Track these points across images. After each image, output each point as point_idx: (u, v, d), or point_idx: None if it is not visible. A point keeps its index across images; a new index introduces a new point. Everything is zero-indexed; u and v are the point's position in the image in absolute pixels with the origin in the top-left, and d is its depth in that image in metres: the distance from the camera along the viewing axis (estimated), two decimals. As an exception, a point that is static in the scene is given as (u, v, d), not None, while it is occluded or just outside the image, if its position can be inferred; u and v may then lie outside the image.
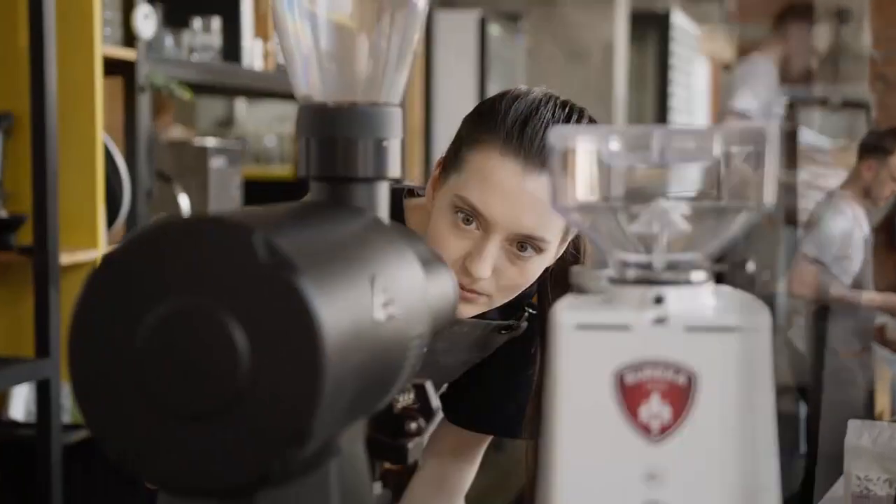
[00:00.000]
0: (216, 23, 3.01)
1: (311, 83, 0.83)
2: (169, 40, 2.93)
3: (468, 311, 1.30)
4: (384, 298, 0.70)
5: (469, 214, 1.25)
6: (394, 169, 0.83)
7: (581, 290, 0.79)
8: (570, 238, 1.34)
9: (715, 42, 8.82)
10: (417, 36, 0.84)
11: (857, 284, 4.34)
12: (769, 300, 4.26)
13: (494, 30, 4.88)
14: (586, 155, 0.72)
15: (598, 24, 5.53)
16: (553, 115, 1.27)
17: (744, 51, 9.83)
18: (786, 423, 4.81)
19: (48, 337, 2.32)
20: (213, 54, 3.03)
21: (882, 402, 4.47)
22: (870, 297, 4.46)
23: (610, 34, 5.57)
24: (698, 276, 0.71)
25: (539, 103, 1.28)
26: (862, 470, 1.91)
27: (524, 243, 1.26)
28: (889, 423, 1.95)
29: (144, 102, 2.67)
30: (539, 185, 1.23)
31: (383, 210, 0.82)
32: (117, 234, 2.67)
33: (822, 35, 4.53)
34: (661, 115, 7.48)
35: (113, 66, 2.62)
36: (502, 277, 1.27)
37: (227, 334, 0.61)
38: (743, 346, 0.68)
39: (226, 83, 3.12)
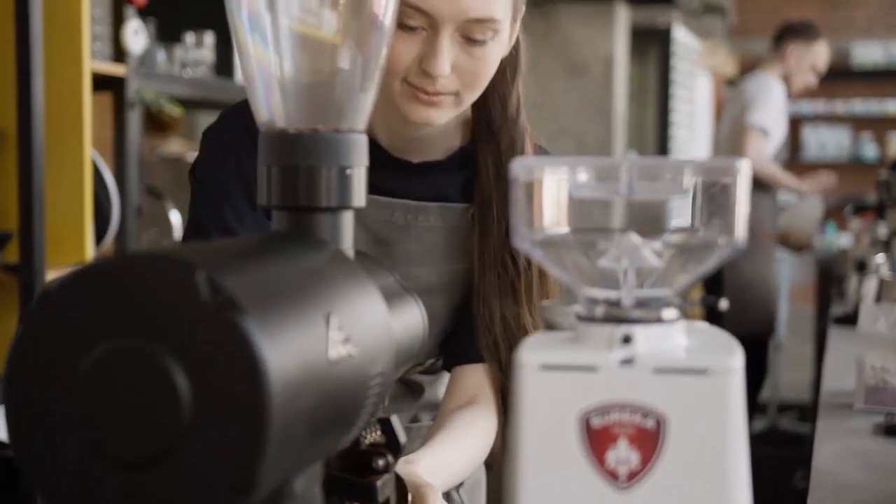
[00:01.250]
0: (209, 38, 2.99)
1: (272, 109, 0.80)
2: (161, 55, 2.90)
3: (438, 115, 1.25)
4: (341, 336, 0.67)
5: (411, 16, 1.19)
6: (358, 198, 0.80)
7: (550, 327, 0.76)
8: (520, 17, 1.30)
9: (717, 57, 8.81)
10: (382, 60, 0.81)
11: (776, 160, 4.47)
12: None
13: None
14: (552, 186, 0.69)
15: (598, 39, 5.50)
16: None
17: (745, 66, 9.83)
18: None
19: (33, 356, 2.28)
20: (206, 69, 3.00)
21: None
22: (806, 183, 4.67)
23: (610, 49, 5.54)
24: (669, 313, 0.68)
25: None
26: (877, 359, 1.81)
27: (475, 31, 1.20)
28: None
29: (134, 118, 2.65)
30: None
31: (347, 240, 0.79)
32: (106, 250, 2.64)
33: (824, 52, 4.53)
34: (663, 129, 7.45)
35: (103, 82, 2.60)
36: (463, 71, 1.22)
37: (167, 377, 0.58)
38: (714, 389, 0.65)
39: (218, 99, 3.10)
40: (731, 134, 4.41)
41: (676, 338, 0.68)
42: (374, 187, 1.27)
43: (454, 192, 1.35)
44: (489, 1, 1.19)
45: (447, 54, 1.20)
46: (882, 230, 4.07)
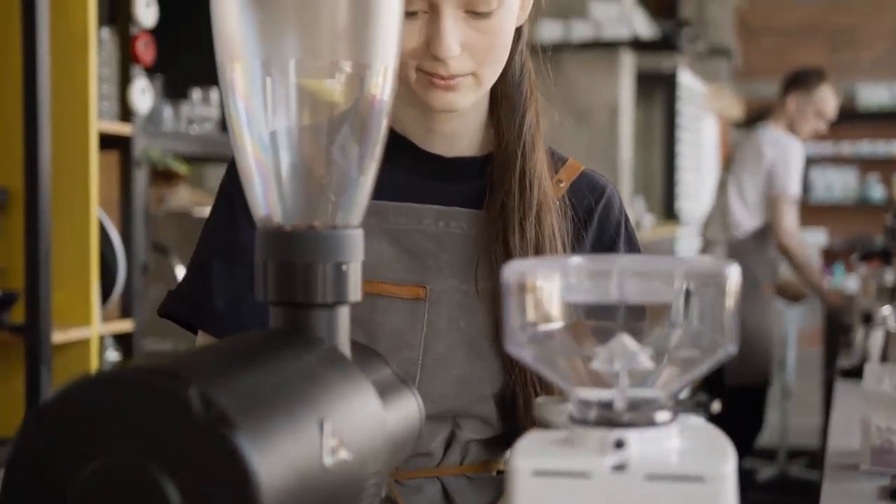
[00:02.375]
0: (215, 94, 3.02)
1: (270, 205, 0.81)
2: (168, 112, 2.93)
3: (460, 98, 1.17)
4: (335, 442, 0.68)
5: (409, 2, 1.12)
6: (354, 293, 0.80)
7: (543, 425, 0.76)
8: None
9: (722, 99, 8.84)
10: (377, 158, 0.82)
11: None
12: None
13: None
14: (543, 289, 0.70)
15: (603, 86, 5.53)
16: None
17: (751, 108, 9.87)
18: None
19: (38, 417, 2.28)
20: (212, 126, 3.03)
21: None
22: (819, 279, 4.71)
23: (615, 96, 5.57)
24: (662, 416, 0.69)
25: None
26: (883, 419, 1.78)
27: (479, 3, 1.13)
28: None
29: (140, 177, 2.66)
30: None
31: (343, 335, 0.80)
32: (112, 310, 2.65)
33: (828, 98, 4.55)
34: (669, 173, 7.47)
35: (109, 141, 2.62)
36: (475, 48, 1.14)
37: (161, 494, 0.58)
38: (707, 497, 0.65)
39: (224, 154, 3.12)
40: (760, 199, 4.40)
41: (669, 441, 0.68)
42: (400, 191, 1.24)
43: (485, 195, 1.25)
44: None
45: (454, 34, 1.12)
46: (889, 277, 4.06)
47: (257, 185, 0.81)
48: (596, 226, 1.27)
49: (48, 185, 2.36)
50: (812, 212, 10.12)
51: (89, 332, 2.49)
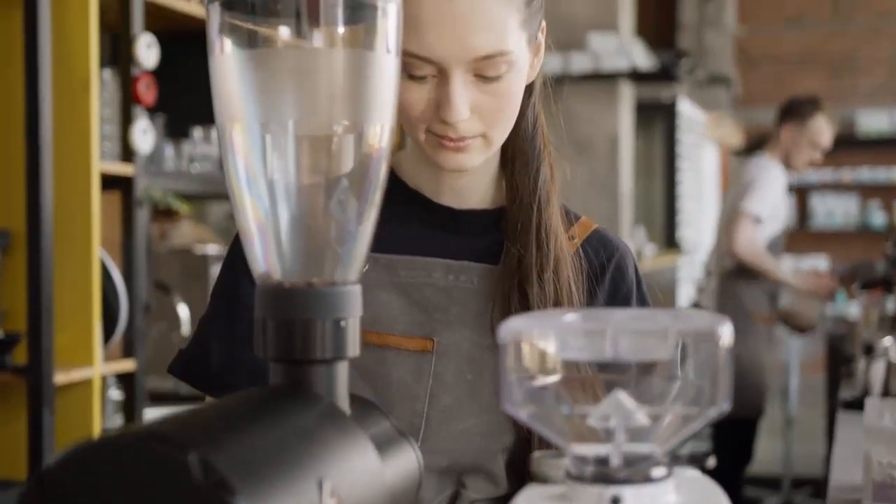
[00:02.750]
0: (216, 133, 3.03)
1: (269, 262, 0.82)
2: (169, 150, 2.95)
3: (469, 159, 1.17)
4: (333, 501, 0.68)
5: (417, 66, 1.11)
6: (353, 348, 0.81)
7: (540, 479, 0.77)
8: (541, 34, 1.21)
9: (722, 128, 8.87)
10: (375, 213, 0.83)
11: (772, 249, 4.44)
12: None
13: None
14: (539, 347, 0.71)
15: (602, 117, 5.56)
16: None
17: (751, 136, 9.91)
18: None
19: (42, 459, 2.29)
20: (213, 164, 3.04)
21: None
22: (801, 281, 4.64)
23: (615, 127, 5.59)
24: (658, 472, 0.69)
25: None
26: (884, 454, 1.77)
27: (487, 68, 1.12)
28: None
29: (142, 216, 2.68)
30: None
31: (342, 390, 0.81)
32: (114, 349, 2.65)
33: (822, 128, 4.56)
34: (670, 202, 7.49)
35: (111, 181, 2.63)
36: (484, 111, 1.14)
37: (161, 558, 0.59)
38: (702, 553, 0.66)
39: (226, 192, 3.13)
40: (726, 219, 4.44)
41: (666, 497, 0.69)
42: (412, 244, 1.24)
43: (498, 249, 1.24)
44: (495, 34, 1.11)
45: (462, 99, 1.12)
46: (891, 305, 4.06)
47: (256, 242, 0.82)
48: (609, 284, 1.27)
49: (50, 226, 2.38)
50: (813, 238, 10.13)
51: (91, 373, 2.50)
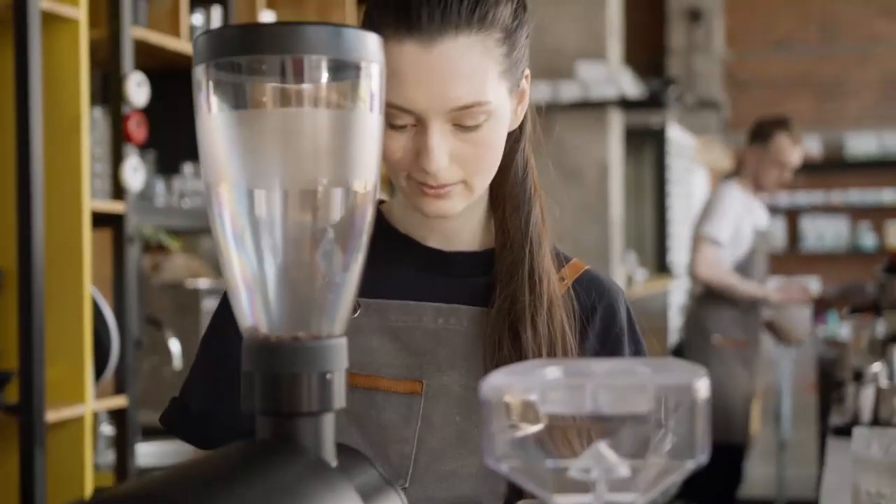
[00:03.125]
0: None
1: (255, 316, 0.83)
2: (160, 187, 2.96)
3: (451, 206, 1.18)
4: (320, 556, 0.70)
5: (397, 116, 1.13)
6: (339, 400, 0.83)
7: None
8: (524, 82, 1.22)
9: (712, 152, 8.92)
10: (360, 268, 0.84)
11: (741, 270, 4.40)
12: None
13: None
14: (520, 402, 0.72)
15: (592, 145, 5.59)
16: None
17: (741, 159, 9.95)
18: None
19: (34, 498, 2.29)
20: (204, 199, 3.06)
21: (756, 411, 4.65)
22: (772, 292, 4.54)
23: (604, 155, 5.62)
24: (639, 524, 0.71)
25: None
26: (872, 484, 1.78)
27: (465, 118, 1.13)
28: None
29: (133, 253, 2.69)
30: (450, 47, 1.11)
31: (328, 442, 0.82)
32: (106, 386, 2.66)
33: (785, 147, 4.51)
34: (660, 227, 7.52)
35: (102, 218, 2.64)
36: (464, 159, 1.15)
37: None
38: None
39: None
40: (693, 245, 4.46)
41: (646, 547, 0.70)
42: (402, 289, 1.25)
43: (487, 292, 1.25)
44: (473, 86, 1.13)
45: (441, 148, 1.13)
46: (880, 329, 4.08)
47: (243, 296, 0.83)
48: (599, 326, 1.27)
49: (42, 264, 2.39)
50: (804, 260, 10.17)
51: (83, 410, 2.50)
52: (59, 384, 2.48)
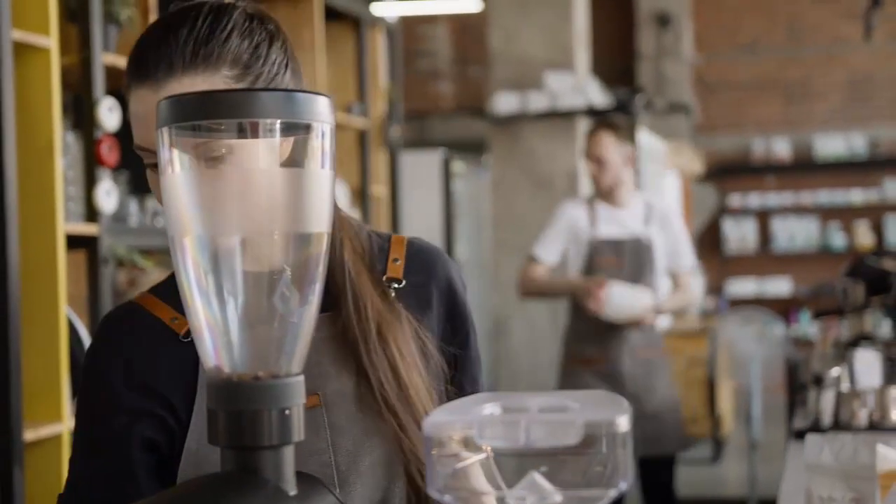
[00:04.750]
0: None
1: (218, 357, 0.90)
2: (133, 206, 3.02)
3: None
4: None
5: (147, 156, 1.20)
6: (298, 433, 0.89)
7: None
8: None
9: (683, 156, 9.01)
10: (315, 311, 0.91)
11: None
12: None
13: (458, 166, 5.00)
14: (459, 438, 0.79)
15: (561, 153, 5.67)
16: (173, 18, 1.21)
17: (711, 162, 10.08)
18: None
19: (12, 516, 2.35)
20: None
21: None
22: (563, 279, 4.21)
23: (573, 163, 5.70)
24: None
25: (163, 17, 1.23)
26: (825, 489, 1.83)
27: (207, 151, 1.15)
28: (852, 436, 1.88)
29: (107, 274, 2.75)
30: (175, 87, 1.17)
31: (289, 472, 0.89)
32: (82, 404, 2.71)
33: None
34: (632, 231, 7.59)
35: (76, 240, 2.70)
36: None
37: None
38: None
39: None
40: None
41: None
42: None
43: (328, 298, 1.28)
44: None
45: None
46: (844, 332, 4.16)
47: (207, 339, 0.90)
48: (437, 297, 1.34)
49: (17, 286, 2.44)
50: (776, 261, 10.29)
51: (61, 428, 2.56)
52: (37, 404, 2.53)
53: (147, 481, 1.25)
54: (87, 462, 1.26)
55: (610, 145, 4.04)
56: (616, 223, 4.14)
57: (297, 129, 0.88)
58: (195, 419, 1.24)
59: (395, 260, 1.34)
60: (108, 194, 2.71)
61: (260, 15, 1.25)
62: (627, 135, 4.12)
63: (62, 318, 2.55)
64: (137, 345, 1.27)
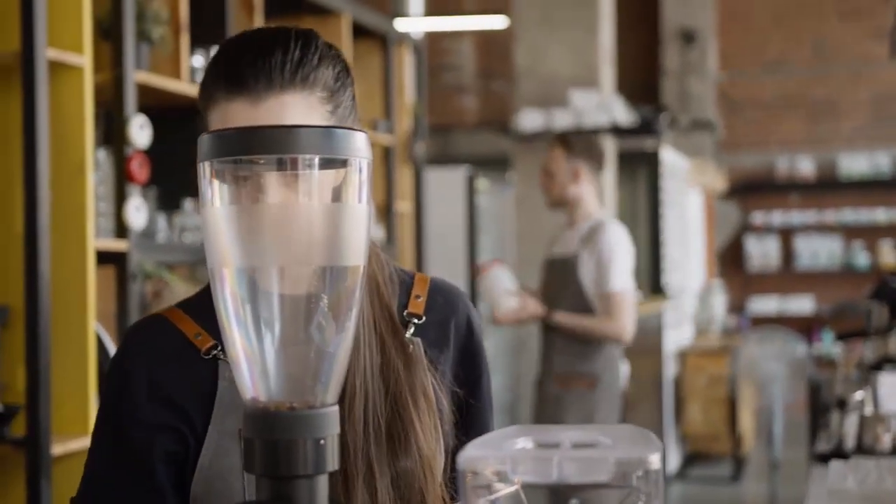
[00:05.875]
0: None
1: (255, 387, 0.91)
2: (162, 222, 3.05)
3: None
4: None
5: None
6: (332, 463, 0.91)
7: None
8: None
9: (706, 173, 9.00)
10: (350, 337, 0.93)
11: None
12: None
13: (483, 183, 5.02)
14: (494, 473, 0.80)
15: (585, 171, 5.67)
16: (263, 35, 1.24)
17: (734, 180, 10.06)
18: None
19: (40, 530, 2.37)
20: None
21: None
22: (562, 316, 3.98)
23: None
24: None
25: (247, 35, 1.26)
26: None
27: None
28: (876, 462, 1.89)
29: (135, 290, 2.78)
30: (275, 103, 1.20)
31: (322, 501, 0.90)
32: (109, 418, 2.73)
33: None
34: (655, 248, 7.60)
35: (106, 256, 2.73)
36: None
37: None
38: None
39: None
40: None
41: None
42: None
43: None
44: None
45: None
46: (868, 353, 4.15)
47: (244, 369, 0.92)
48: (455, 335, 1.36)
49: (48, 302, 2.47)
50: (798, 279, 10.25)
51: (88, 443, 2.58)
52: (65, 418, 2.56)
53: (170, 494, 1.27)
54: (108, 471, 1.27)
55: (558, 158, 4.04)
56: (562, 243, 4.11)
57: (335, 164, 0.90)
58: (210, 436, 1.26)
59: (418, 297, 1.35)
60: (137, 211, 2.74)
61: (334, 46, 1.29)
62: (584, 154, 4.06)
63: (91, 333, 2.58)
64: (160, 357, 1.29)
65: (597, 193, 4.13)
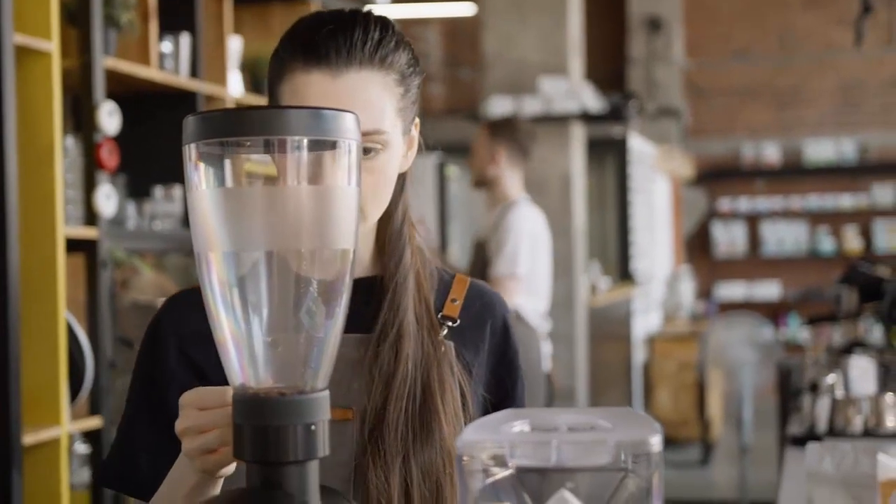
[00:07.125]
0: (178, 191, 3.11)
1: (244, 374, 0.90)
2: (132, 210, 3.01)
3: None
4: None
5: None
6: (323, 448, 0.90)
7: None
8: (414, 129, 1.30)
9: (673, 160, 9.03)
10: (341, 322, 0.91)
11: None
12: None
13: (452, 171, 5.00)
14: (491, 456, 0.79)
15: (555, 157, 5.68)
16: (342, 14, 1.26)
17: (701, 166, 10.10)
18: None
19: (11, 521, 2.34)
20: (175, 221, 3.12)
21: None
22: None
23: (567, 167, 5.71)
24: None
25: (324, 13, 1.28)
26: (826, 499, 1.84)
27: (366, 142, 1.19)
28: (853, 444, 1.89)
29: (106, 277, 2.74)
30: (354, 78, 1.21)
31: (313, 487, 0.89)
32: (81, 408, 2.71)
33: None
34: (623, 235, 7.63)
35: (75, 244, 2.69)
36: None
37: None
38: None
39: (186, 248, 3.20)
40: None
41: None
42: None
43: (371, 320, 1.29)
44: (372, 113, 1.21)
45: None
46: (837, 337, 4.17)
47: (232, 355, 0.90)
48: (490, 339, 1.35)
49: (17, 290, 2.43)
50: (765, 265, 10.31)
51: (59, 432, 2.55)
52: (36, 407, 2.52)
53: None
54: (140, 420, 1.29)
55: (480, 138, 4.14)
56: (483, 225, 4.22)
57: (324, 146, 0.88)
58: None
59: (454, 300, 1.35)
60: (107, 198, 2.71)
61: (404, 33, 1.30)
62: (505, 138, 4.11)
63: (62, 321, 2.54)
64: (193, 327, 1.26)
65: (519, 178, 4.18)
